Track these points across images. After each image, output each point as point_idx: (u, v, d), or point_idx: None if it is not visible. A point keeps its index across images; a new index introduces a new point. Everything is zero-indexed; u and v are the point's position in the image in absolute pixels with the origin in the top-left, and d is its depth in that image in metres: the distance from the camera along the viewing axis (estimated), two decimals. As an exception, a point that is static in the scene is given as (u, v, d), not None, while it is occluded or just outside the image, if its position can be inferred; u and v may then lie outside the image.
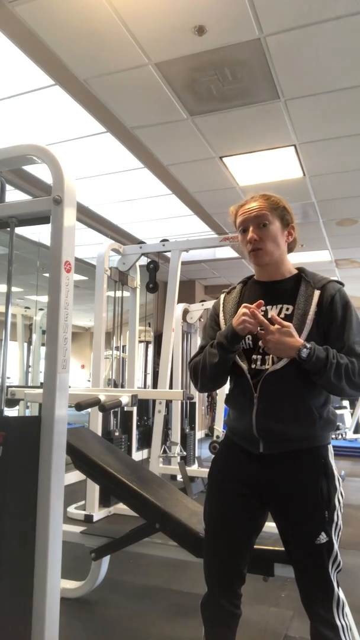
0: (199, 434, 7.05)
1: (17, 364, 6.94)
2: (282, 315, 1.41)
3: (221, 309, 1.55)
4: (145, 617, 2.30)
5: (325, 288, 1.41)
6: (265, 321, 1.33)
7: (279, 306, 1.44)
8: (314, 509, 1.33)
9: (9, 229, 1.71)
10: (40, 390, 1.57)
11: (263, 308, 1.45)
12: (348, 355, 1.33)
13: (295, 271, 1.51)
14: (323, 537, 1.31)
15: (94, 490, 3.71)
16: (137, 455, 5.38)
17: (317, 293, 1.40)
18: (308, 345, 1.29)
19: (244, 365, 1.42)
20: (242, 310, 1.37)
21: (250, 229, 1.46)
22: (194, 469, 4.71)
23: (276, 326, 1.31)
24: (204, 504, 1.52)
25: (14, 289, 1.85)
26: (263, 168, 4.05)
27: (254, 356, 1.42)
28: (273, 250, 1.46)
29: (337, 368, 1.29)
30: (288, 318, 1.39)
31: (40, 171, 4.04)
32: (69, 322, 1.53)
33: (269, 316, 1.41)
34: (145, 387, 7.51)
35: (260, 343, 1.39)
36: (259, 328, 1.36)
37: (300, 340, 1.31)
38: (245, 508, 1.42)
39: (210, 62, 2.72)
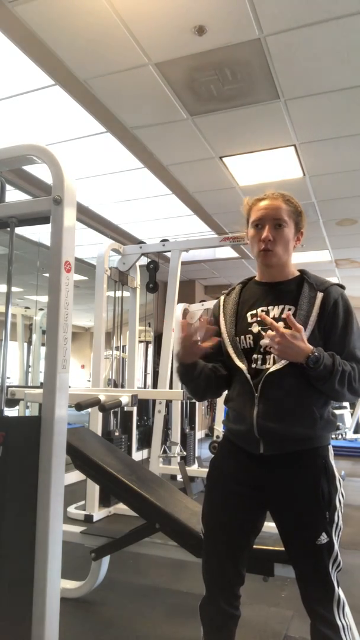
0: (199, 434, 7.05)
1: (17, 364, 6.94)
2: (284, 316, 1.41)
3: (221, 310, 1.55)
4: (145, 617, 2.30)
5: (328, 291, 1.41)
6: (275, 323, 1.31)
7: (281, 307, 1.43)
8: (315, 510, 1.33)
9: (9, 229, 1.71)
10: (40, 390, 1.57)
11: (264, 308, 1.45)
12: (348, 360, 1.33)
13: (297, 273, 1.51)
14: (324, 538, 1.31)
15: (94, 490, 3.71)
16: (137, 455, 5.38)
17: (320, 295, 1.40)
18: (317, 353, 1.28)
19: (244, 366, 1.41)
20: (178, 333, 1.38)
21: (267, 227, 1.44)
22: (194, 469, 4.71)
23: (285, 330, 1.29)
24: (202, 506, 1.52)
25: (14, 289, 1.85)
26: (263, 168, 4.05)
27: (255, 356, 1.41)
28: (282, 254, 1.46)
29: (341, 375, 1.29)
30: None
31: (40, 171, 4.04)
32: (69, 322, 1.53)
33: (270, 316, 1.41)
34: (145, 387, 7.51)
35: (261, 342, 1.39)
36: (261, 329, 1.36)
37: (309, 347, 1.29)
38: (244, 509, 1.42)
39: (210, 62, 2.72)
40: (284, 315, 1.36)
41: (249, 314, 1.47)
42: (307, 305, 1.39)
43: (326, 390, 1.35)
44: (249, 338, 1.43)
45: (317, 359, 1.28)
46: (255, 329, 1.43)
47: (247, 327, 1.45)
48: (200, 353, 1.39)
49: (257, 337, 1.41)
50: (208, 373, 1.47)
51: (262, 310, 1.44)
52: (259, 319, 1.44)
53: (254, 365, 1.41)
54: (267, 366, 1.38)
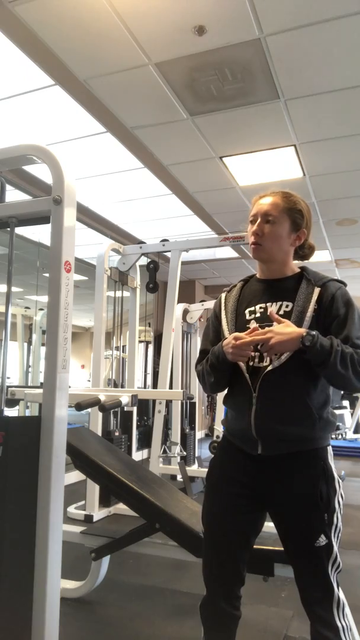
0: (199, 434, 7.05)
1: (17, 364, 6.94)
2: (281, 312, 1.41)
3: (222, 307, 1.54)
4: (145, 617, 2.30)
5: (326, 286, 1.40)
6: (263, 337, 1.31)
7: (279, 303, 1.43)
8: (313, 512, 1.32)
9: (9, 229, 1.71)
10: (40, 390, 1.57)
11: (263, 305, 1.44)
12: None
13: (298, 270, 1.50)
14: (322, 540, 1.30)
15: (94, 490, 3.71)
16: (137, 455, 5.38)
17: (317, 290, 1.39)
18: (312, 333, 1.27)
19: (242, 364, 1.40)
20: (231, 338, 1.36)
21: (258, 221, 1.46)
22: (194, 469, 4.71)
23: (271, 327, 1.31)
24: (202, 506, 1.51)
25: (14, 289, 1.85)
26: (263, 168, 4.05)
27: (252, 353, 1.40)
28: (272, 249, 1.45)
29: (342, 356, 1.26)
30: (287, 315, 1.39)
31: (40, 171, 4.04)
32: (69, 322, 1.53)
33: (268, 313, 1.40)
34: (145, 387, 7.51)
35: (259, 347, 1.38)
36: (258, 325, 1.38)
37: (301, 329, 1.30)
38: (244, 510, 1.41)
39: (210, 62, 2.72)
40: (269, 311, 1.37)
41: (247, 311, 1.47)
42: (304, 301, 1.38)
43: (330, 376, 1.32)
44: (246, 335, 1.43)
45: (312, 337, 1.26)
46: (253, 325, 1.42)
47: (245, 323, 1.45)
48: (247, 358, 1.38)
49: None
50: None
51: (261, 307, 1.44)
52: (257, 315, 1.44)
53: (251, 363, 1.40)
54: (265, 364, 1.37)
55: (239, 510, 1.41)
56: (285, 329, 1.30)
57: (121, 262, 4.24)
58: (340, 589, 1.33)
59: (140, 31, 2.50)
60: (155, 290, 4.27)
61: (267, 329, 1.33)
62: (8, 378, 2.08)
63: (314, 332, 1.28)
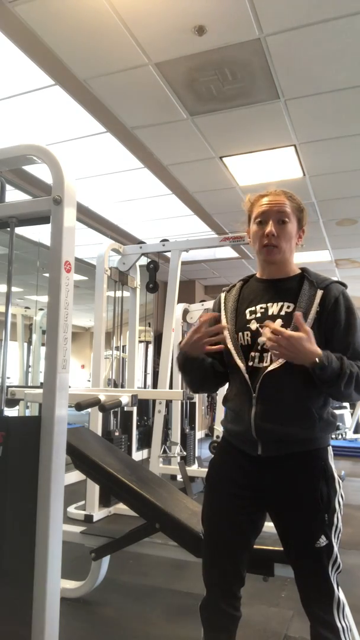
0: (199, 434, 7.05)
1: (17, 364, 6.94)
2: (282, 313, 1.40)
3: (222, 307, 1.54)
4: (145, 617, 2.30)
5: (328, 289, 1.39)
6: (283, 330, 1.26)
7: (280, 304, 1.42)
8: (314, 513, 1.32)
9: (9, 229, 1.71)
10: (40, 390, 1.57)
11: (264, 305, 1.44)
12: (353, 359, 1.31)
13: (299, 271, 1.50)
14: (323, 541, 1.30)
15: (94, 490, 3.71)
16: (137, 455, 5.38)
17: (320, 293, 1.38)
18: (324, 361, 1.24)
19: (242, 365, 1.40)
20: (189, 332, 1.39)
21: (270, 222, 1.44)
22: (194, 469, 4.71)
23: (293, 333, 1.25)
24: (202, 507, 1.51)
25: (14, 289, 1.85)
26: (263, 168, 4.05)
27: (252, 353, 1.40)
28: (286, 250, 1.45)
29: (349, 378, 1.26)
30: (289, 316, 1.38)
31: (40, 171, 4.04)
32: (69, 322, 1.53)
33: (269, 313, 1.40)
34: (145, 387, 7.50)
35: (259, 340, 1.38)
36: (259, 325, 1.37)
37: (318, 351, 1.25)
38: (244, 511, 1.41)
39: (210, 62, 2.72)
40: (296, 314, 1.30)
41: (247, 311, 1.46)
42: (306, 303, 1.37)
43: (332, 394, 1.34)
44: (247, 335, 1.42)
45: (323, 366, 1.23)
46: (254, 325, 1.42)
47: (246, 323, 1.44)
48: (204, 351, 1.39)
49: (255, 334, 1.40)
50: (207, 368, 1.48)
51: (262, 308, 1.44)
52: (257, 315, 1.43)
53: (251, 363, 1.39)
54: (265, 364, 1.37)
55: (239, 511, 1.41)
56: (304, 344, 1.23)
57: (121, 262, 4.24)
58: (340, 589, 1.33)
59: (140, 31, 2.50)
60: (155, 290, 4.27)
61: (292, 332, 1.25)
62: (8, 378, 2.08)
63: (327, 361, 1.24)
